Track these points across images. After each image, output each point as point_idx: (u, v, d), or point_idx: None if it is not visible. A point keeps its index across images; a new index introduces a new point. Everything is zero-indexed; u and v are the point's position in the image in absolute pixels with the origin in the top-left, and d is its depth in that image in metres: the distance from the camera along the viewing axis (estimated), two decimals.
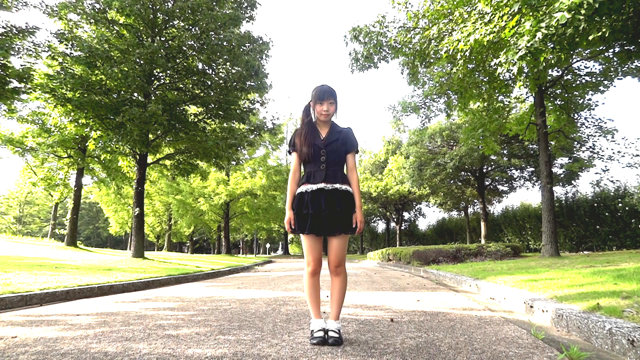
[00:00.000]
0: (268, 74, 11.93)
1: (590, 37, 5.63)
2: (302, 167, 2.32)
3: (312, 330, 2.13)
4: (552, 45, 5.83)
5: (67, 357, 1.81)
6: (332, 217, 2.14)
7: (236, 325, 2.57)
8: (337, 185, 2.18)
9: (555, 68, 9.93)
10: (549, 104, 10.79)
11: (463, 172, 20.52)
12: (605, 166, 13.09)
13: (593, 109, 11.27)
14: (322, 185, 2.15)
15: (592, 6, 5.04)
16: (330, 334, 2.09)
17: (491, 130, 11.33)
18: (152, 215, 31.03)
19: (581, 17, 5.11)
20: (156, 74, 11.03)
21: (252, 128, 13.37)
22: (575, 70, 10.39)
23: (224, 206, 24.94)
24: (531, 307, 2.94)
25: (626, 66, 9.43)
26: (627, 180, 21.37)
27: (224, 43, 10.83)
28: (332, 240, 2.21)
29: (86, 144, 13.72)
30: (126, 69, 9.53)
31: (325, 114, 2.24)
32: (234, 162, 15.66)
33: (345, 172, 2.31)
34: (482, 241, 18.67)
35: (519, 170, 20.29)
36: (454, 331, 2.37)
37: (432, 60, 10.07)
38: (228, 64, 11.31)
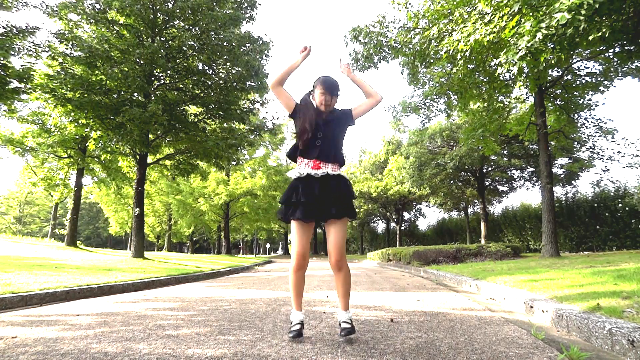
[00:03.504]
0: (268, 74, 11.94)
1: (590, 38, 5.64)
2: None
3: (291, 323, 2.15)
4: (552, 46, 5.83)
5: (67, 357, 1.81)
6: (326, 201, 2.10)
7: (236, 326, 2.57)
8: (329, 170, 2.16)
9: (555, 68, 9.93)
10: (549, 104, 10.78)
11: (463, 173, 20.52)
12: (605, 166, 13.09)
13: (593, 109, 11.25)
14: (312, 171, 2.13)
15: (592, 6, 5.04)
16: (342, 325, 2.09)
17: (491, 130, 11.33)
18: (152, 216, 31.03)
19: (581, 18, 5.11)
20: (156, 74, 11.03)
21: (252, 128, 13.37)
22: (575, 71, 10.38)
23: (224, 206, 24.94)
24: (531, 307, 2.93)
25: (626, 66, 9.42)
26: (627, 181, 21.43)
27: (224, 43, 10.83)
28: (329, 229, 2.14)
29: (86, 144, 13.73)
30: (126, 69, 9.53)
31: (327, 105, 2.24)
32: (234, 162, 15.66)
33: (341, 149, 2.29)
34: (482, 241, 18.66)
35: (519, 171, 20.28)
36: (454, 331, 2.37)
37: (432, 61, 10.07)
38: (228, 64, 11.30)
